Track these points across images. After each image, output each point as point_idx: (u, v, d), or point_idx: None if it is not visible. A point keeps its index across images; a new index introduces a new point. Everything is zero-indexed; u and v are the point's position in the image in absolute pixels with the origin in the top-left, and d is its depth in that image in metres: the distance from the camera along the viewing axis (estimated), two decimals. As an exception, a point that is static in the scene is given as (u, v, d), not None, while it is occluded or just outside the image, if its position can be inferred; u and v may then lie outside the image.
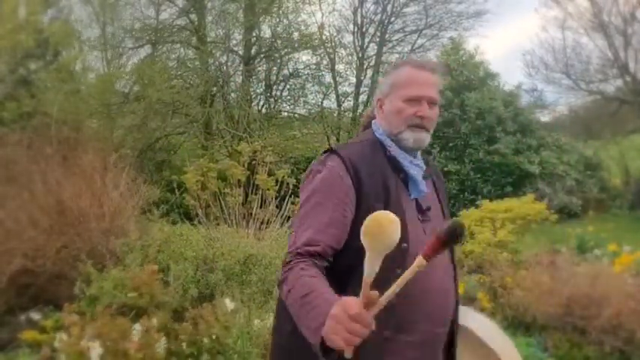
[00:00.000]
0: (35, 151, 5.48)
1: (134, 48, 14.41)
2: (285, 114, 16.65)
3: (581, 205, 13.63)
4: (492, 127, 14.53)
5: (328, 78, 17.03)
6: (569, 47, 16.36)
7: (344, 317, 1.09)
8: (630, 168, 15.32)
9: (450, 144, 14.59)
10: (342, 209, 1.41)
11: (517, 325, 4.05)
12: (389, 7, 17.60)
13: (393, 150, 1.55)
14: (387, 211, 1.15)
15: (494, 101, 14.65)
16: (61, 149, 5.61)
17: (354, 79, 17.48)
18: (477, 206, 8.23)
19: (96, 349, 2.93)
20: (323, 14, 15.75)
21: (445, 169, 13.87)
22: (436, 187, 1.64)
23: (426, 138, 1.55)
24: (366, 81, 17.40)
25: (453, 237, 1.13)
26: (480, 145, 14.42)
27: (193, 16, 14.58)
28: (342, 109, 17.29)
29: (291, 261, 1.37)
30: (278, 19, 14.71)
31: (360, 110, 16.47)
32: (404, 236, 1.21)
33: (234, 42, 15.06)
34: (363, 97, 17.32)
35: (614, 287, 3.79)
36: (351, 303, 1.09)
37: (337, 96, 17.25)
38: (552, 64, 16.47)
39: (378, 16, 17.74)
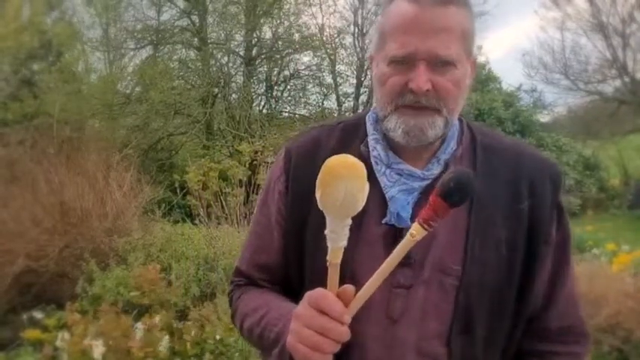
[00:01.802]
0: (38, 152, 5.52)
1: (136, 49, 14.44)
2: (286, 114, 16.66)
3: (580, 205, 13.65)
4: (492, 127, 14.59)
5: (329, 79, 17.08)
6: (567, 48, 16.39)
7: (312, 314, 0.77)
8: (629, 168, 15.36)
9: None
10: (272, 228, 1.02)
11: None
12: (390, 8, 17.62)
13: (371, 143, 0.96)
14: (347, 154, 0.76)
15: (494, 102, 14.67)
16: (64, 149, 5.65)
17: (354, 80, 17.53)
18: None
19: (98, 348, 2.95)
20: (324, 16, 15.77)
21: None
22: (472, 212, 0.91)
23: (429, 127, 0.89)
24: (367, 82, 17.44)
25: (452, 190, 0.72)
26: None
27: (195, 18, 14.60)
28: (343, 109, 17.33)
29: (232, 290, 1.09)
30: (279, 21, 14.73)
31: (360, 111, 16.44)
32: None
33: (236, 43, 15.09)
34: (363, 98, 17.35)
35: (612, 286, 3.81)
36: (319, 294, 0.78)
37: (337, 97, 17.30)
38: (551, 65, 16.50)
39: (379, 17, 17.78)
